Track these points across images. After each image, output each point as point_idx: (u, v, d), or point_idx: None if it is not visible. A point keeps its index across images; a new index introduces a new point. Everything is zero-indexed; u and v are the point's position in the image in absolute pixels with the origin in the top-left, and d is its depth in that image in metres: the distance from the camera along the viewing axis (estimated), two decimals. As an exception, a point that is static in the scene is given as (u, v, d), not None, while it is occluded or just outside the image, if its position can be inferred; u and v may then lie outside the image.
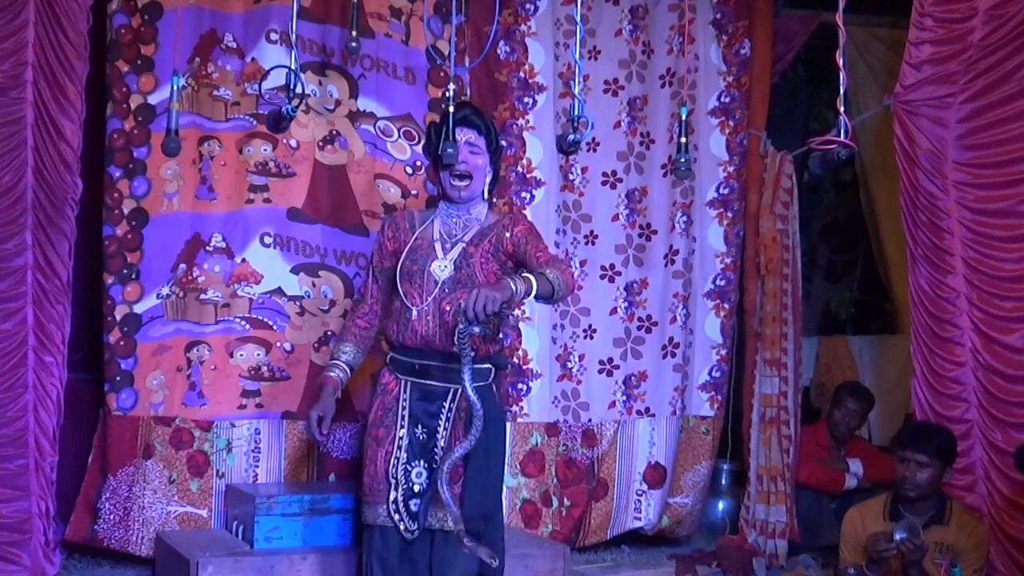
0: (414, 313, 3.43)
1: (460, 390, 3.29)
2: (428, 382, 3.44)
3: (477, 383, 3.26)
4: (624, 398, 4.89)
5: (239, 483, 4.25)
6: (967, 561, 3.88)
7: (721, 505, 5.39)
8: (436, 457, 3.39)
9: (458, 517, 3.22)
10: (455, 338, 3.12)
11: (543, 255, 3.41)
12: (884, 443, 5.44)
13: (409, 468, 3.39)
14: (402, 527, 3.36)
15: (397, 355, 3.51)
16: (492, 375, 3.47)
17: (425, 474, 3.39)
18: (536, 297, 3.22)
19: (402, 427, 3.42)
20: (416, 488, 3.38)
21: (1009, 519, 4.23)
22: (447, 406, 3.42)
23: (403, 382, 3.47)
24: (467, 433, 3.21)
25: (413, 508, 3.37)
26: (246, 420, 4.33)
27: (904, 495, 3.98)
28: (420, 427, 3.42)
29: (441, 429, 3.40)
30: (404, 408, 3.44)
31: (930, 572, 3.80)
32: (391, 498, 3.37)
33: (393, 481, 3.38)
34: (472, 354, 3.13)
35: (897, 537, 3.75)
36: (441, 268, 3.43)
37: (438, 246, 3.48)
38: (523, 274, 3.25)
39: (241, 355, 4.32)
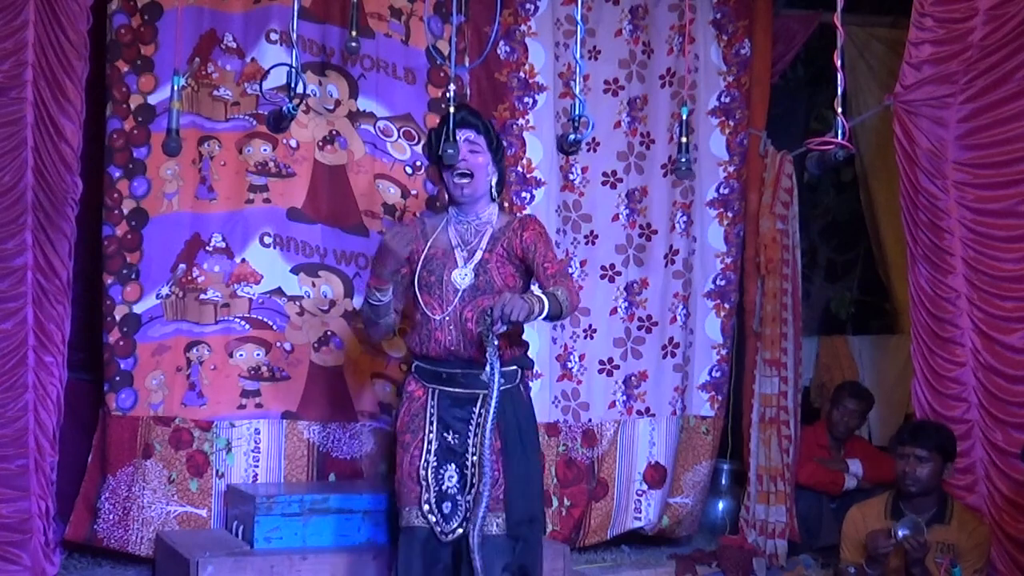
0: (436, 323, 3.44)
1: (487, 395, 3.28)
2: (455, 389, 3.46)
3: (505, 386, 3.31)
4: (624, 398, 4.88)
5: (239, 483, 4.25)
6: (968, 561, 3.88)
7: (721, 505, 5.38)
8: (468, 463, 3.40)
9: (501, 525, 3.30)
10: (483, 335, 3.17)
11: (551, 266, 3.41)
12: (884, 443, 5.44)
13: (440, 471, 3.41)
14: (438, 529, 3.39)
15: (422, 364, 3.52)
16: (519, 376, 3.50)
17: (456, 477, 3.41)
18: (545, 317, 3.27)
19: (431, 431, 3.44)
20: (448, 491, 3.40)
21: (1009, 519, 4.23)
22: (476, 411, 3.42)
23: (430, 390, 3.49)
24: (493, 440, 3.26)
25: (446, 510, 3.39)
26: (246, 420, 4.32)
27: (905, 491, 3.98)
28: (451, 432, 3.44)
29: (472, 436, 3.41)
30: (432, 413, 3.46)
31: (931, 571, 3.80)
32: (423, 498, 3.40)
33: (424, 484, 3.41)
34: (499, 354, 3.16)
35: (900, 533, 3.74)
36: (462, 277, 3.44)
37: (458, 253, 3.48)
38: (539, 295, 3.26)
39: (241, 355, 4.32)
